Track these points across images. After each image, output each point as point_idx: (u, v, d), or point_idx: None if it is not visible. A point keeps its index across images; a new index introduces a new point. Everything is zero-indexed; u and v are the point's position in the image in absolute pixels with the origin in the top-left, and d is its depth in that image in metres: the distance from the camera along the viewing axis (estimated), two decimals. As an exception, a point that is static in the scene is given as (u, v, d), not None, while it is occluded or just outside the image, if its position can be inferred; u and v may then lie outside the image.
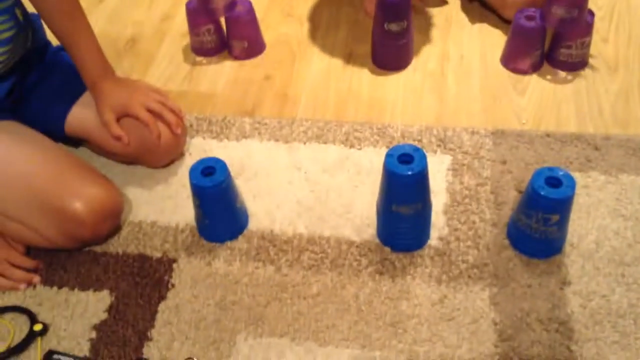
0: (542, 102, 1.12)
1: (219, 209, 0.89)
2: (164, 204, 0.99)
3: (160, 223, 0.96)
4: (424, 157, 0.83)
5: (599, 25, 1.24)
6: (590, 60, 1.18)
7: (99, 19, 1.38)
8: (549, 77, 1.16)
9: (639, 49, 1.20)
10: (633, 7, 1.29)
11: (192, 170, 0.87)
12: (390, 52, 1.20)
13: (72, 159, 0.93)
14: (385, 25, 1.14)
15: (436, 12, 1.30)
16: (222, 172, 0.86)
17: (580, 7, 1.09)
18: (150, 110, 0.97)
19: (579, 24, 1.11)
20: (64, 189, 0.86)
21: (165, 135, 0.98)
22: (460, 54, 1.23)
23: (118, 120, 0.96)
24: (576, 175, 0.97)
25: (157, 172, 1.03)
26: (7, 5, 0.91)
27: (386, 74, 1.20)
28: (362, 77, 1.20)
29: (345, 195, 0.99)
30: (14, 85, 0.97)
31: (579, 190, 0.95)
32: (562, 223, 0.86)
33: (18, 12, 0.93)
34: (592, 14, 1.13)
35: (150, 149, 0.98)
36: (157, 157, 1.01)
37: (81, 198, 0.86)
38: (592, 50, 1.18)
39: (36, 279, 0.89)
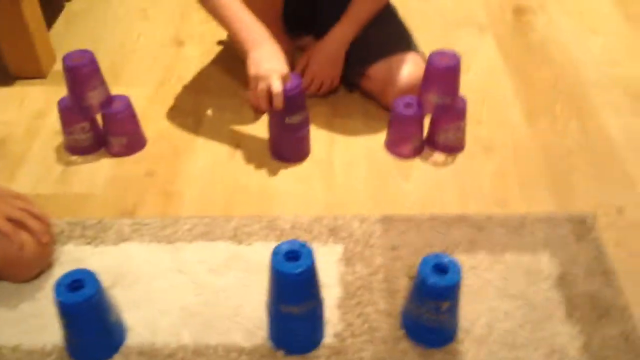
0: (426, 186, 1.14)
1: (89, 326, 0.80)
2: (28, 324, 0.88)
3: (23, 347, 0.85)
4: (310, 253, 0.80)
5: (472, 109, 1.30)
6: (467, 142, 1.23)
7: (-38, 121, 1.28)
8: (430, 160, 1.20)
9: (510, 129, 1.27)
10: (501, 91, 1.38)
11: (58, 286, 0.78)
12: (292, 144, 1.18)
13: None
14: (287, 119, 1.12)
15: (321, 102, 1.32)
16: (91, 285, 0.78)
17: (452, 94, 1.14)
18: (11, 219, 0.88)
19: (453, 109, 1.16)
20: None
21: (30, 245, 0.89)
22: (346, 141, 1.24)
23: (-26, 233, 0.87)
24: (463, 258, 0.98)
25: (21, 287, 0.93)
26: None
27: (274, 165, 1.19)
28: (251, 169, 1.18)
29: (235, 297, 0.93)
30: None
31: (467, 272, 0.96)
32: (453, 309, 0.85)
33: None
34: (464, 99, 1.18)
35: (12, 262, 0.89)
36: (21, 270, 0.91)
37: None
38: (468, 132, 1.23)
39: None
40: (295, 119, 1.12)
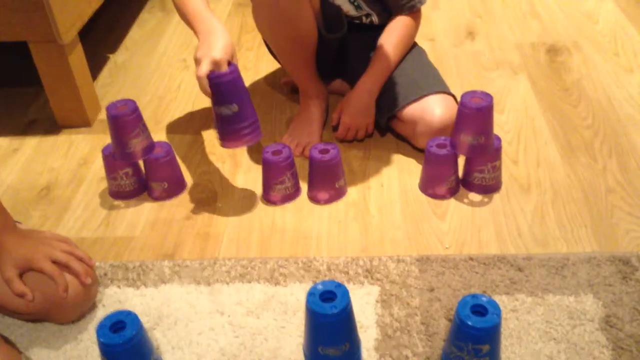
0: (463, 226, 1.13)
1: (130, 368, 0.81)
2: (71, 366, 0.90)
3: (66, 388, 0.87)
4: (346, 293, 0.80)
5: (507, 149, 1.30)
6: (504, 182, 1.22)
7: (12, 170, 1.34)
8: (466, 200, 1.19)
9: (548, 168, 1.26)
10: (537, 129, 1.37)
11: (100, 327, 0.80)
12: (224, 134, 1.11)
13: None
14: (215, 108, 1.07)
15: (354, 145, 1.34)
16: (132, 327, 0.80)
17: (486, 134, 1.14)
18: (56, 262, 0.91)
19: (488, 149, 1.16)
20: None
21: (74, 287, 0.91)
22: (380, 182, 1.25)
23: (21, 275, 0.90)
24: (503, 299, 0.97)
25: (65, 329, 0.95)
26: None
27: (310, 207, 1.20)
28: (286, 211, 1.19)
29: (272, 339, 0.93)
30: None
31: (507, 314, 0.94)
32: (494, 353, 0.83)
33: None
34: (499, 139, 1.18)
35: (57, 304, 0.91)
36: (65, 311, 0.94)
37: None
38: (504, 172, 1.23)
39: None
40: (223, 110, 1.06)
